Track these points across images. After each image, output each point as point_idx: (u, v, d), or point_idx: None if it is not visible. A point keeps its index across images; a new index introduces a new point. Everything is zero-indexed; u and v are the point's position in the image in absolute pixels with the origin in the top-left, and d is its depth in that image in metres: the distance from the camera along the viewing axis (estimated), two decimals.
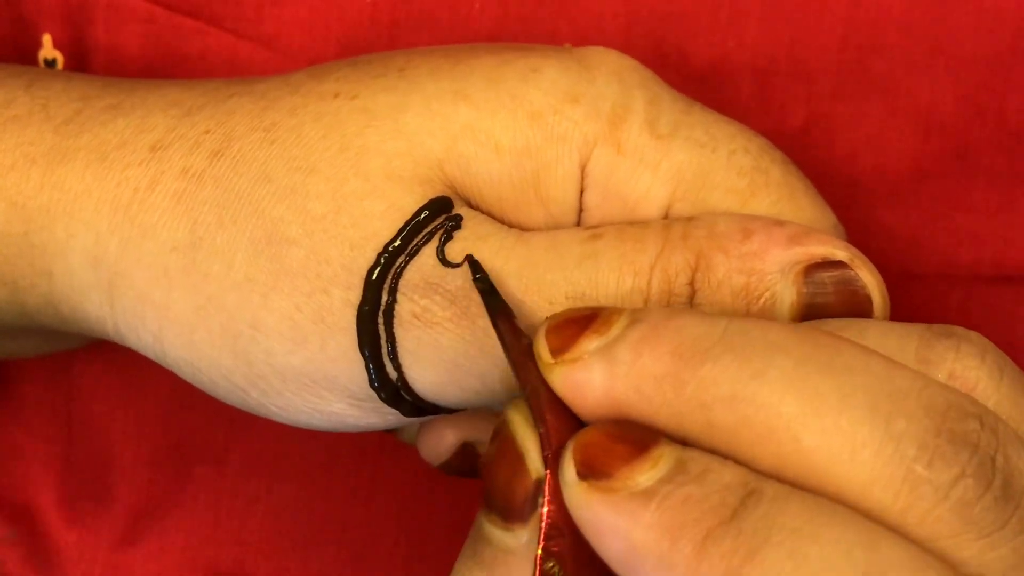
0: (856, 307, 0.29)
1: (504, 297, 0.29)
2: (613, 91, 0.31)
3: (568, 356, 0.26)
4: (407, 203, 0.30)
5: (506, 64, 0.31)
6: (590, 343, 0.26)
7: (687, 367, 0.25)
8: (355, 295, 0.30)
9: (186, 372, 0.32)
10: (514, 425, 0.27)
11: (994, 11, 0.37)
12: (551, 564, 0.26)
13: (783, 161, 0.32)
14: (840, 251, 0.29)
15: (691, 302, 0.29)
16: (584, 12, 0.38)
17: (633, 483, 0.24)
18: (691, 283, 0.29)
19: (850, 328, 0.27)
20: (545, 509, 0.26)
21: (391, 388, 0.30)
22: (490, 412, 0.35)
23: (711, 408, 0.24)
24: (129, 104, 0.33)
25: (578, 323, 0.26)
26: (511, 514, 0.27)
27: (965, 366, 0.27)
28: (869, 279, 0.29)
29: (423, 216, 0.30)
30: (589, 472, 0.25)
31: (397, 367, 0.30)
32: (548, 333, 0.27)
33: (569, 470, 0.25)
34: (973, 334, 0.27)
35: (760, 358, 0.24)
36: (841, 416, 0.24)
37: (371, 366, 0.30)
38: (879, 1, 0.38)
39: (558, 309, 0.29)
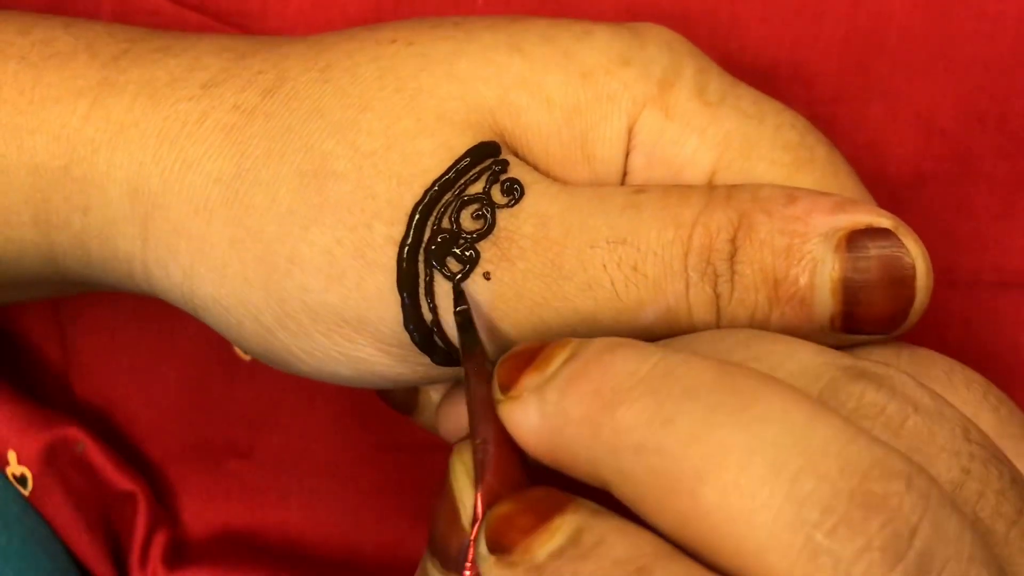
0: (899, 276, 0.29)
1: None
2: (664, 58, 0.31)
3: (512, 393, 0.26)
4: (457, 144, 0.30)
5: (561, 25, 0.32)
6: (530, 380, 0.26)
7: (604, 410, 0.24)
8: (398, 231, 0.30)
9: (212, 312, 0.32)
10: (455, 476, 0.27)
11: (995, 15, 0.38)
12: None
13: (828, 142, 0.32)
14: (885, 220, 0.29)
15: (732, 260, 0.29)
16: (585, 13, 0.38)
17: (530, 557, 0.24)
18: (732, 240, 0.29)
19: (774, 346, 0.26)
20: (467, 574, 0.25)
21: (424, 330, 0.30)
22: None
23: (621, 455, 0.24)
24: (179, 47, 0.33)
25: (525, 357, 0.26)
26: (448, 563, 0.26)
27: (871, 402, 0.25)
28: (914, 248, 0.29)
29: (471, 157, 0.30)
30: (496, 547, 0.24)
31: (433, 308, 0.30)
32: (500, 367, 0.26)
33: (482, 544, 0.24)
34: (893, 373, 0.26)
35: (673, 403, 0.23)
36: (742, 473, 0.22)
37: (407, 304, 0.30)
38: (880, 4, 0.38)
39: (599, 253, 0.29)
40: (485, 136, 0.31)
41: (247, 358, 0.43)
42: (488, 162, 0.30)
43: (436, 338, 0.30)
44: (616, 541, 0.23)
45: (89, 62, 0.33)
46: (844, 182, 0.31)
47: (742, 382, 0.24)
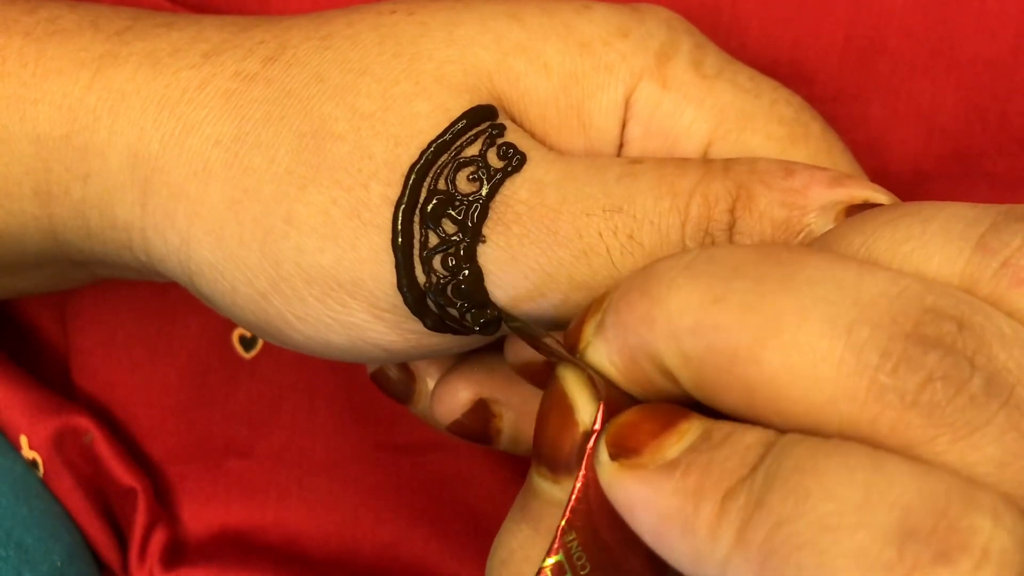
0: None
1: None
2: (662, 32, 0.32)
3: (580, 346, 0.26)
4: (454, 106, 0.31)
5: (559, 0, 0.32)
6: (590, 326, 0.26)
7: (655, 303, 0.25)
8: (394, 192, 0.30)
9: (207, 279, 0.32)
10: (567, 381, 0.27)
11: (996, 14, 0.38)
12: (571, 537, 0.26)
13: (822, 120, 0.32)
14: (882, 195, 0.29)
15: (730, 231, 0.29)
16: None
17: (660, 456, 0.24)
18: (731, 211, 0.29)
19: (922, 211, 0.26)
20: (579, 484, 0.26)
21: (417, 292, 0.30)
22: (506, 367, 0.34)
23: (680, 339, 0.24)
24: (183, 22, 0.33)
25: (581, 315, 0.27)
26: (558, 466, 0.27)
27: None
28: None
29: (468, 120, 0.30)
30: (620, 451, 0.25)
31: (427, 270, 0.30)
32: (564, 338, 0.27)
33: (603, 451, 0.25)
34: None
35: (721, 283, 0.24)
36: (799, 331, 0.23)
37: (401, 265, 0.30)
38: (881, 3, 0.38)
39: (594, 221, 0.29)
40: (482, 100, 0.31)
41: (248, 357, 0.43)
42: (485, 125, 0.31)
43: (428, 301, 0.30)
44: (744, 432, 0.24)
45: (94, 36, 0.33)
46: (838, 158, 0.32)
47: (785, 255, 0.24)
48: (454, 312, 0.31)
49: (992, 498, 0.22)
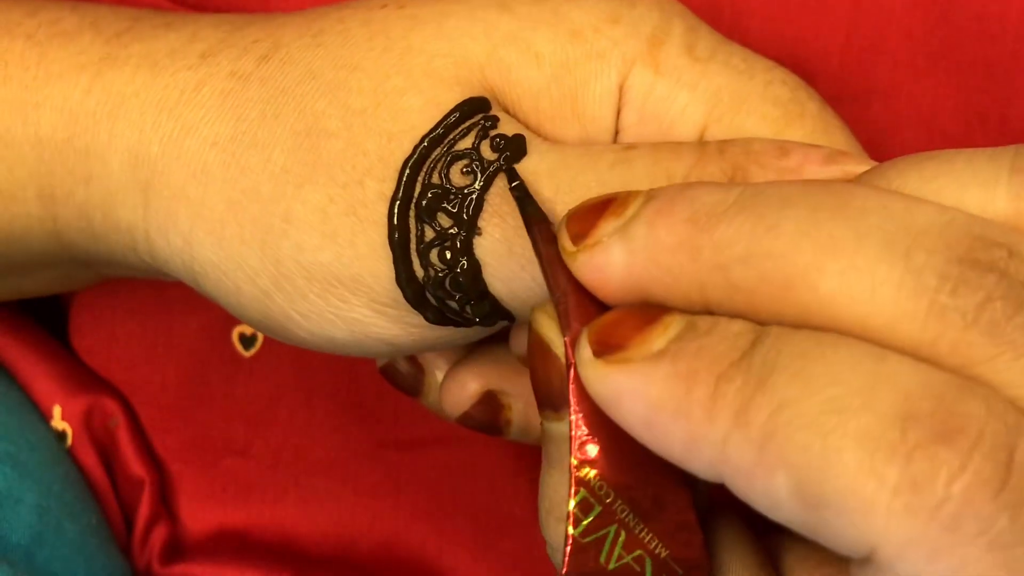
0: None
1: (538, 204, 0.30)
2: (654, 16, 0.32)
3: (588, 241, 0.26)
4: (446, 100, 0.31)
5: None
6: (608, 225, 0.26)
7: (701, 232, 0.25)
8: (389, 187, 0.30)
9: (211, 278, 0.32)
10: (539, 324, 0.27)
11: (996, 16, 0.38)
12: (585, 471, 0.26)
13: (819, 98, 0.32)
14: None
15: None
16: None
17: (647, 348, 0.24)
18: None
19: (941, 154, 0.26)
20: (572, 417, 0.26)
21: (416, 286, 0.30)
22: (513, 358, 0.35)
23: (729, 269, 0.24)
24: (180, 22, 0.34)
25: (597, 208, 0.26)
26: (556, 403, 0.27)
27: None
28: None
29: (460, 113, 0.30)
30: (603, 348, 0.25)
31: (424, 264, 0.30)
32: (569, 222, 0.27)
33: (585, 350, 0.25)
34: None
35: (773, 213, 0.24)
36: (857, 256, 0.23)
37: (398, 260, 0.30)
38: (881, 5, 0.38)
39: None
40: (475, 92, 0.31)
41: (247, 355, 0.43)
42: (477, 118, 0.31)
43: (428, 294, 0.30)
44: (729, 322, 0.24)
45: (93, 39, 0.33)
46: (835, 136, 0.32)
47: (834, 187, 0.25)
48: (454, 305, 0.31)
49: (984, 389, 0.23)
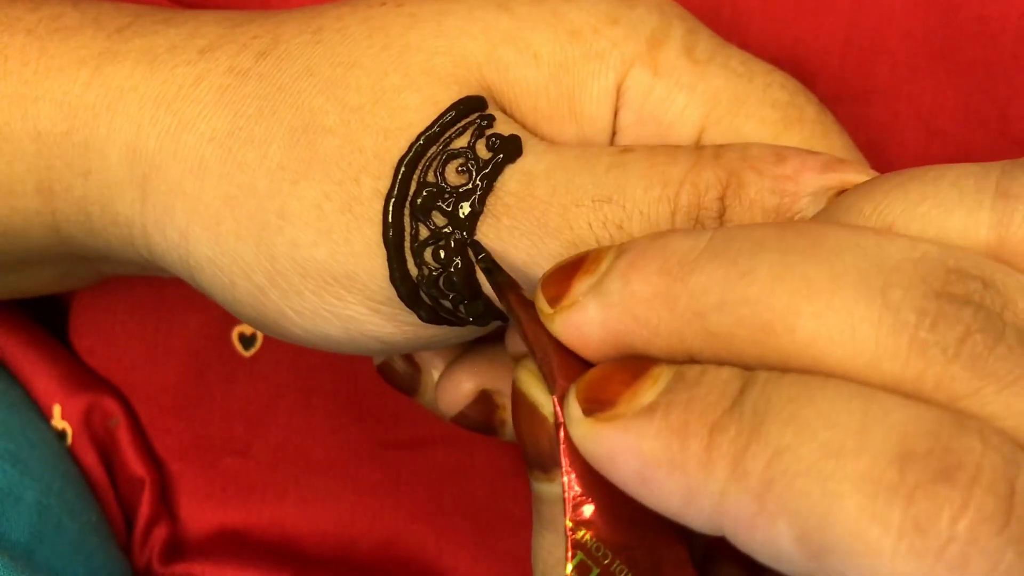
0: None
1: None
2: (653, 18, 0.32)
3: (564, 303, 0.26)
4: (443, 98, 0.31)
5: None
6: (582, 284, 0.26)
7: (675, 281, 0.25)
8: (384, 184, 0.30)
9: (207, 274, 0.32)
10: (523, 382, 0.27)
11: (996, 17, 0.38)
12: (581, 533, 0.25)
13: (818, 103, 0.32)
14: None
15: (721, 219, 0.29)
16: None
17: (637, 403, 0.24)
18: (721, 199, 0.29)
19: (927, 173, 0.26)
20: (565, 479, 0.26)
21: (410, 285, 0.30)
22: (509, 357, 0.34)
23: (706, 317, 0.24)
24: (181, 18, 0.34)
25: (570, 268, 0.26)
26: (546, 464, 0.27)
27: None
28: None
29: (456, 111, 0.30)
30: (593, 406, 0.25)
31: (418, 263, 0.30)
32: (543, 285, 0.27)
33: (574, 409, 0.25)
34: None
35: (746, 258, 0.24)
36: (833, 297, 0.23)
37: (393, 258, 0.30)
38: (881, 5, 0.38)
39: (584, 212, 0.29)
40: (472, 91, 0.31)
41: (247, 355, 0.43)
42: (474, 117, 0.31)
43: (422, 293, 0.30)
44: (717, 370, 0.24)
45: (94, 34, 0.33)
46: (833, 141, 0.32)
47: (804, 228, 0.25)
48: (447, 304, 0.31)
49: (977, 422, 0.22)
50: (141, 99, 0.32)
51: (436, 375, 0.36)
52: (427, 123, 0.30)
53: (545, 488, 0.27)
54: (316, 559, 0.43)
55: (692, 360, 0.25)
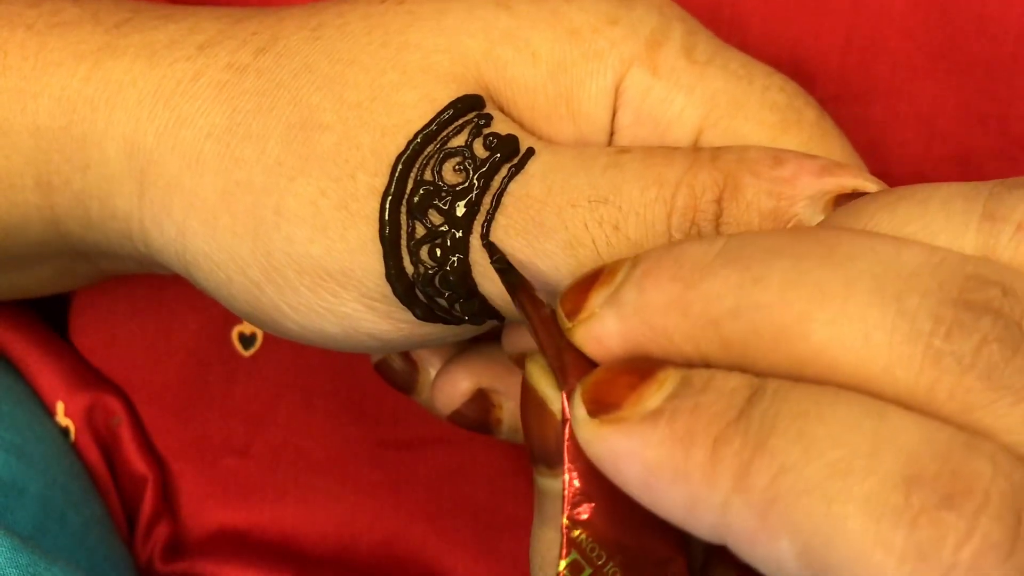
0: None
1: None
2: (652, 18, 0.32)
3: (582, 316, 0.26)
4: (441, 96, 0.31)
5: None
6: (599, 296, 0.26)
7: (689, 288, 0.24)
8: (381, 182, 0.30)
9: (203, 269, 0.32)
10: (532, 376, 0.27)
11: (997, 17, 0.37)
12: (578, 532, 0.25)
13: (817, 106, 0.32)
14: (871, 184, 0.29)
15: (717, 222, 0.29)
16: None
17: (642, 407, 0.24)
18: (718, 201, 0.29)
19: (916, 194, 0.26)
20: (566, 476, 0.25)
21: (406, 282, 0.30)
22: (505, 356, 0.35)
23: (720, 323, 0.24)
24: (181, 14, 0.34)
25: (587, 282, 0.26)
26: (551, 460, 0.27)
27: None
28: None
29: (454, 110, 0.30)
30: (598, 408, 0.24)
31: (415, 260, 0.30)
32: (562, 301, 0.27)
33: (580, 410, 0.25)
34: None
35: (759, 264, 0.24)
36: (847, 303, 0.23)
37: (388, 256, 0.30)
38: (881, 5, 0.38)
39: (580, 212, 0.29)
40: (470, 89, 0.31)
41: (247, 355, 0.43)
42: (471, 115, 0.31)
43: (417, 291, 0.30)
44: (725, 377, 0.24)
45: (93, 29, 0.33)
46: (832, 145, 0.31)
47: (820, 234, 0.24)
48: (443, 302, 0.31)
49: (991, 446, 0.22)
50: (140, 94, 0.32)
51: (433, 373, 0.37)
52: (425, 121, 0.30)
53: (548, 484, 0.27)
54: (316, 559, 0.43)
55: (708, 366, 0.25)
